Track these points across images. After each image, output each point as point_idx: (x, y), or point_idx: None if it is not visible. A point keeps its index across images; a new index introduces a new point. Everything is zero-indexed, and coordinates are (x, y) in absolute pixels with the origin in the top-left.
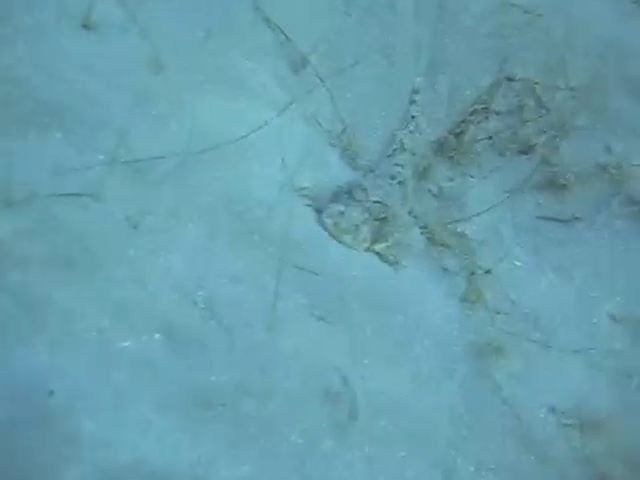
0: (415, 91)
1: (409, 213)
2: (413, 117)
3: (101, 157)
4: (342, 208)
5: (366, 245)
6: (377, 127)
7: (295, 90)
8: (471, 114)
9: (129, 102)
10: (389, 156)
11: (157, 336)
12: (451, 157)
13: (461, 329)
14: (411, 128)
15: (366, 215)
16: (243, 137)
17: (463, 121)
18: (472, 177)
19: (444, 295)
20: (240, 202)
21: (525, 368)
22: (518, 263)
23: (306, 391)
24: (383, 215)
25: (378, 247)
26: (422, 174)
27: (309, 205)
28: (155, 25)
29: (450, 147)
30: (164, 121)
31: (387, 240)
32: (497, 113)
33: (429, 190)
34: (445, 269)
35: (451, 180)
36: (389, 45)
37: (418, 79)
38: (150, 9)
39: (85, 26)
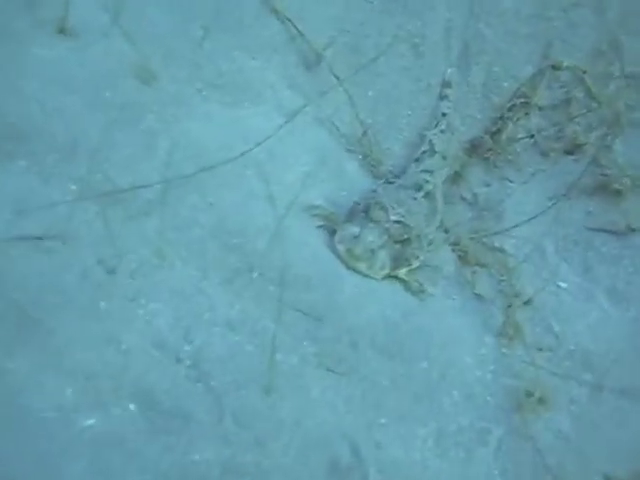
0: (446, 84)
1: (438, 227)
2: (444, 114)
3: (72, 187)
4: (357, 230)
5: (385, 272)
6: (403, 128)
7: (308, 91)
8: (510, 109)
9: (109, 120)
10: (417, 160)
11: (131, 407)
12: (487, 159)
13: (496, 372)
14: (442, 127)
15: (385, 238)
16: (245, 152)
17: (500, 118)
18: (511, 182)
19: (477, 330)
20: (237, 232)
21: (573, 424)
22: (563, 285)
23: (309, 467)
24: (405, 237)
25: (399, 273)
26: (454, 179)
27: (321, 226)
28: (142, 27)
29: (486, 148)
30: (151, 140)
31: (410, 263)
32: (540, 108)
33: (462, 198)
34: (479, 296)
35: (487, 186)
36: (416, 33)
37: (449, 70)
38: (136, 8)
39: (61, 31)
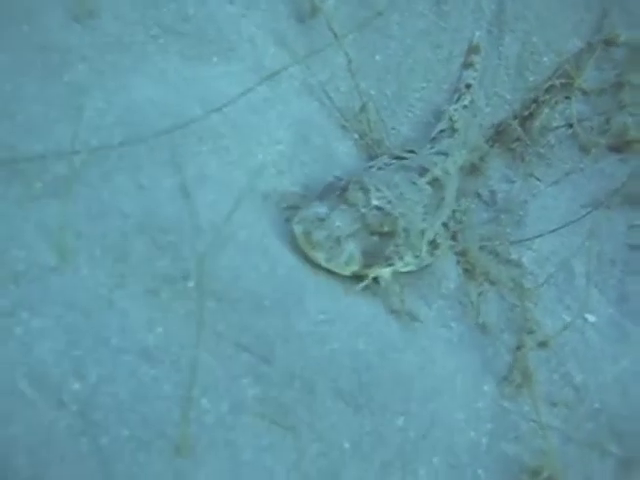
0: (473, 50)
1: (443, 226)
2: (468, 86)
3: None
4: (323, 211)
5: (352, 269)
6: (413, 104)
7: (298, 49)
8: (547, 91)
9: (22, 63)
10: (432, 140)
11: None
12: (512, 150)
13: (494, 435)
14: (465, 102)
15: (357, 225)
16: (198, 120)
17: (535, 100)
18: (539, 180)
19: (475, 374)
20: (172, 228)
21: None
22: (592, 318)
23: None
24: (385, 228)
25: (372, 272)
26: (469, 171)
27: (288, 220)
28: None
29: (513, 136)
30: (76, 96)
31: (390, 263)
32: (584, 92)
33: (477, 194)
34: (483, 327)
35: (509, 182)
36: None
37: (477, 34)
38: None
39: None
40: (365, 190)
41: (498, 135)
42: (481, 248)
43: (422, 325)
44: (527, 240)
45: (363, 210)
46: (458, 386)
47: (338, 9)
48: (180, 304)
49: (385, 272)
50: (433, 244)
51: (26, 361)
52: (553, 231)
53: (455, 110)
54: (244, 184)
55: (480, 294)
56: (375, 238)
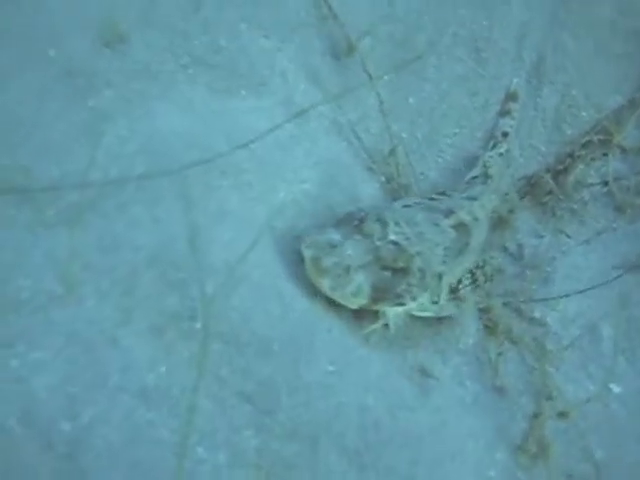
0: (511, 97)
1: (465, 276)
2: (505, 134)
3: None
4: (336, 238)
5: (360, 302)
6: (444, 150)
7: (330, 87)
8: (584, 146)
9: (46, 86)
10: (464, 185)
11: None
12: (544, 204)
13: None
14: (500, 150)
15: (369, 257)
16: (222, 155)
17: (570, 155)
18: (569, 237)
19: (488, 439)
20: (184, 264)
21: None
22: (617, 390)
23: None
24: (399, 264)
25: (382, 307)
26: (498, 222)
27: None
28: None
29: (545, 189)
30: (99, 122)
31: (401, 302)
32: (623, 150)
33: (504, 247)
34: (500, 389)
35: (538, 237)
36: (481, 35)
37: (516, 81)
38: None
39: None
40: (383, 223)
41: (530, 187)
42: (504, 304)
43: (437, 382)
44: (553, 299)
45: (378, 243)
46: (470, 451)
47: (374, 49)
48: (185, 345)
49: (397, 311)
50: (456, 295)
51: (18, 396)
52: (581, 292)
53: (490, 157)
54: (263, 222)
55: (500, 353)
56: (387, 273)
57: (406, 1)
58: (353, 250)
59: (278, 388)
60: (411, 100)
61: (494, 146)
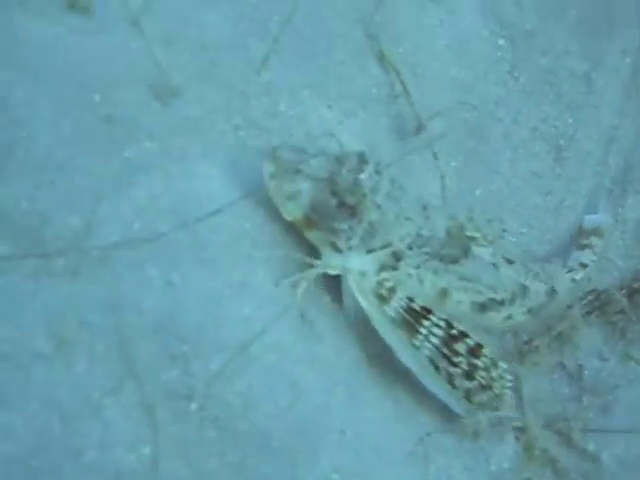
0: (594, 232)
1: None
2: (584, 265)
3: None
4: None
5: (295, 213)
6: (508, 247)
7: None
8: None
9: (84, 130)
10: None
11: None
12: (613, 324)
13: None
14: (576, 276)
15: (325, 175)
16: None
17: None
18: (638, 365)
19: None
20: (190, 337)
21: None
22: None
23: None
24: (349, 199)
25: (311, 235)
26: (557, 339)
27: None
28: (182, 27)
29: (616, 307)
30: (131, 174)
31: (334, 241)
32: None
33: (563, 365)
34: None
35: (603, 359)
36: (564, 132)
37: (602, 217)
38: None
39: (72, 5)
40: (364, 164)
41: (600, 303)
42: (550, 427)
43: None
44: (611, 432)
45: (345, 171)
46: None
47: (448, 134)
48: (176, 427)
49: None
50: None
51: None
52: None
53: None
54: (289, 301)
55: None
56: (333, 200)
57: (485, 90)
58: (318, 162)
59: None
60: (478, 192)
61: (569, 271)
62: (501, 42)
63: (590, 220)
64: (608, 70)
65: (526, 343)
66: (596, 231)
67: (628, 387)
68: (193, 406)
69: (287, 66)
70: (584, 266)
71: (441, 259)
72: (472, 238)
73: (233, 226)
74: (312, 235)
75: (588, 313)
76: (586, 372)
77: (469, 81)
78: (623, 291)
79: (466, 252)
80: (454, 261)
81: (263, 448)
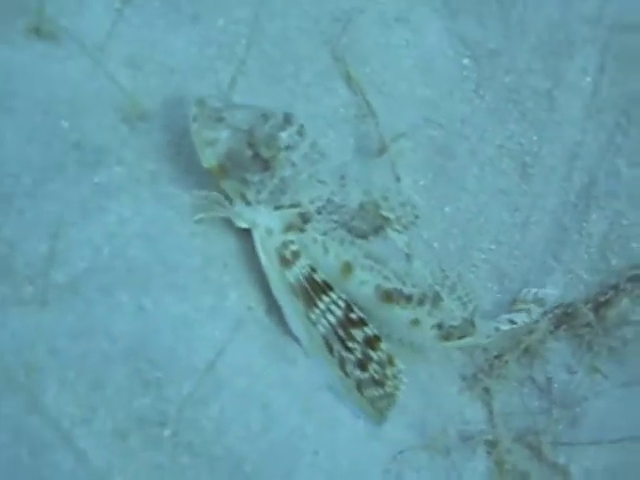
0: (537, 302)
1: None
2: (513, 323)
3: None
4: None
5: (210, 160)
6: (479, 264)
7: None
8: (630, 279)
9: (53, 160)
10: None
11: None
12: (580, 337)
13: None
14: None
15: (245, 127)
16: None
17: (615, 287)
18: (606, 377)
19: None
20: (163, 362)
21: None
22: None
23: None
24: (264, 153)
25: (224, 183)
26: (525, 352)
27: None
28: (153, 53)
29: (583, 321)
30: (101, 200)
31: (243, 192)
32: None
33: (531, 379)
34: None
35: (571, 372)
36: (529, 150)
37: (550, 292)
38: (151, 31)
39: (36, 31)
40: (288, 124)
41: (566, 317)
42: (521, 441)
43: None
44: (580, 445)
45: (267, 127)
46: None
47: (415, 151)
48: (149, 454)
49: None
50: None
51: None
52: (615, 442)
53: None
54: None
55: None
56: (249, 152)
57: (451, 108)
58: (242, 114)
59: None
60: (447, 209)
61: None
62: (466, 61)
63: (536, 293)
64: (569, 88)
65: (496, 357)
66: (539, 301)
67: (595, 400)
68: (166, 432)
69: (255, 89)
70: (513, 323)
71: (349, 230)
72: (386, 218)
73: (204, 249)
74: (226, 185)
75: (556, 327)
76: (555, 385)
77: (435, 99)
78: (589, 305)
79: (377, 230)
80: (362, 236)
81: (237, 473)
